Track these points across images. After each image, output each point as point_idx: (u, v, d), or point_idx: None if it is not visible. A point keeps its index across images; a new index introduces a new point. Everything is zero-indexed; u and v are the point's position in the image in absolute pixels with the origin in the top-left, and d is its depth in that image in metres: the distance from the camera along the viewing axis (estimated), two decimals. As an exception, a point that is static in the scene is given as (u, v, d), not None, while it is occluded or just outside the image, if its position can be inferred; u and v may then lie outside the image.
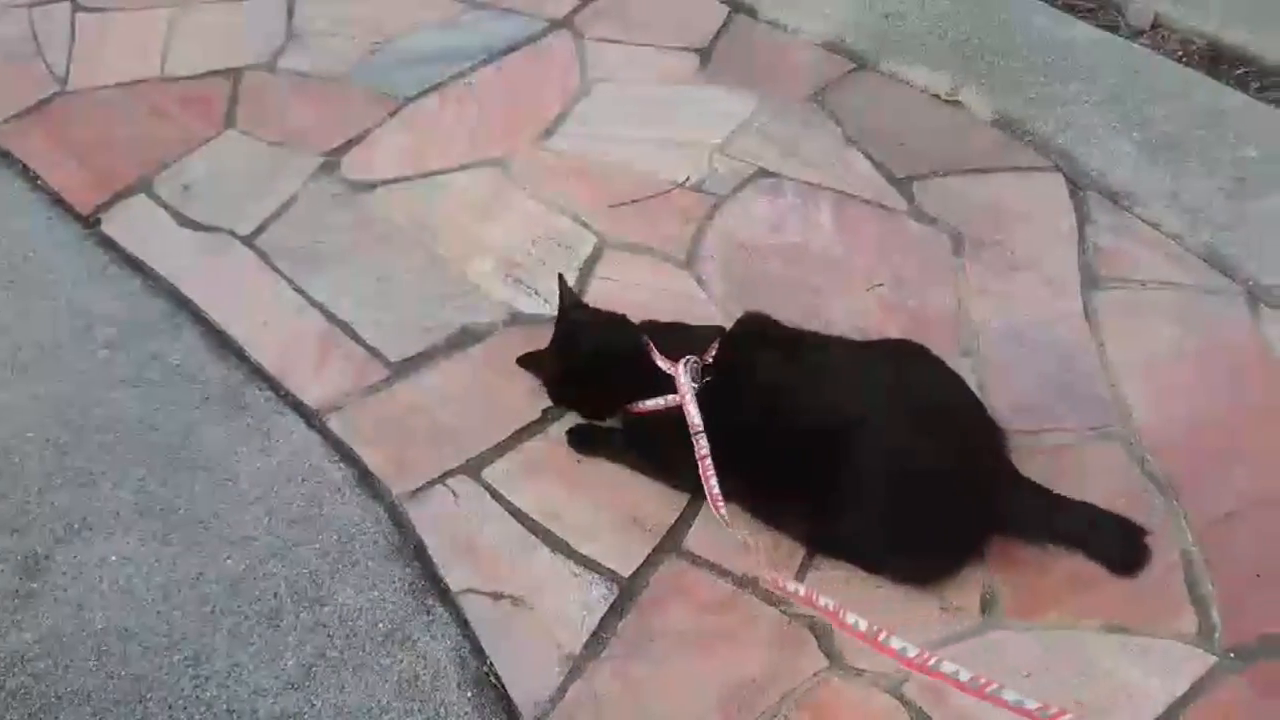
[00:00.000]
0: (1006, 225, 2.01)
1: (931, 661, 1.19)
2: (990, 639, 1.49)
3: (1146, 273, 1.91)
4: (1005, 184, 2.09)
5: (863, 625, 1.27)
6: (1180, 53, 2.37)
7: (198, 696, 1.50)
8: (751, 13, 2.50)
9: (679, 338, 1.65)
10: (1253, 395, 1.74)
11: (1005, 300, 1.89)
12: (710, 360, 1.59)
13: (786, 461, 1.51)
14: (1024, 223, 2.01)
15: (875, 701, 1.44)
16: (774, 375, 1.55)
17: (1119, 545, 1.47)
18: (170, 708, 1.49)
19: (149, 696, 1.50)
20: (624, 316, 1.70)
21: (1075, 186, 2.07)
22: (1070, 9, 2.49)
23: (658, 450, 1.65)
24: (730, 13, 2.50)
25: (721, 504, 1.51)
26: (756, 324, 1.64)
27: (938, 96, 2.27)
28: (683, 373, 1.56)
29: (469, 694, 1.49)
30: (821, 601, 1.34)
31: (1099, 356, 1.80)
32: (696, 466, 1.53)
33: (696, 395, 1.55)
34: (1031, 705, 1.10)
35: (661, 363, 1.60)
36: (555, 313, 1.75)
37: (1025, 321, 1.85)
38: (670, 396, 1.57)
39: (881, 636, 1.24)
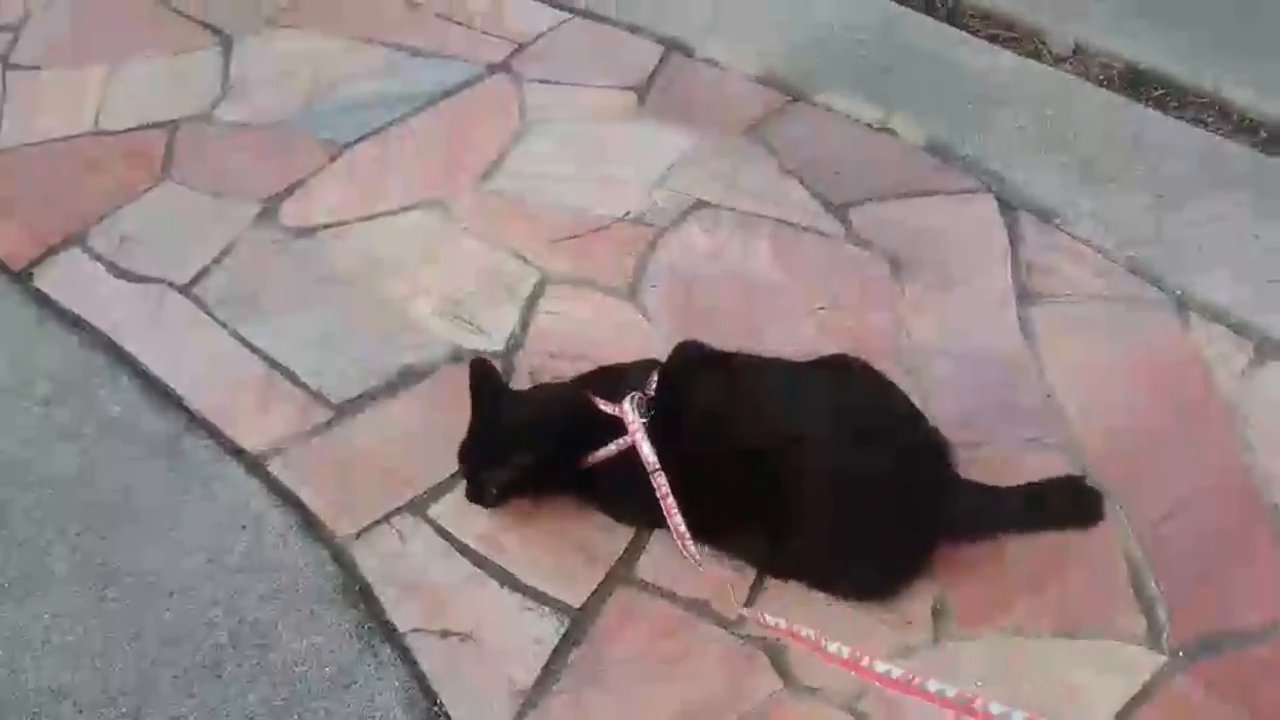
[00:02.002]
0: (942, 246, 2.04)
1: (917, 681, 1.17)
2: (943, 650, 1.49)
3: (1078, 287, 1.96)
4: (939, 207, 2.13)
5: (845, 652, 1.23)
6: (1101, 77, 2.45)
7: (137, 753, 1.45)
8: (686, 51, 2.54)
9: (615, 380, 1.64)
10: (1186, 399, 1.77)
11: (943, 318, 1.92)
12: (650, 394, 1.59)
13: (732, 485, 1.51)
14: (959, 243, 2.05)
15: (830, 719, 1.43)
16: (713, 401, 1.55)
17: (1071, 503, 1.48)
18: (108, 766, 1.44)
19: (86, 756, 1.45)
20: (546, 384, 1.70)
21: (1007, 207, 2.11)
22: (993, 39, 2.56)
23: (617, 499, 1.62)
24: (665, 51, 2.54)
25: (690, 543, 1.50)
26: (691, 352, 1.64)
27: (870, 125, 2.32)
28: (629, 411, 1.55)
29: (419, 735, 1.45)
30: (803, 633, 1.31)
31: (1036, 369, 1.83)
32: (657, 506, 1.52)
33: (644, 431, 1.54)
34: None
35: (606, 407, 1.59)
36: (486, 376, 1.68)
37: (963, 338, 1.88)
38: (622, 440, 1.56)
39: (865, 661, 1.21)
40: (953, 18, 2.64)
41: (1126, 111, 2.33)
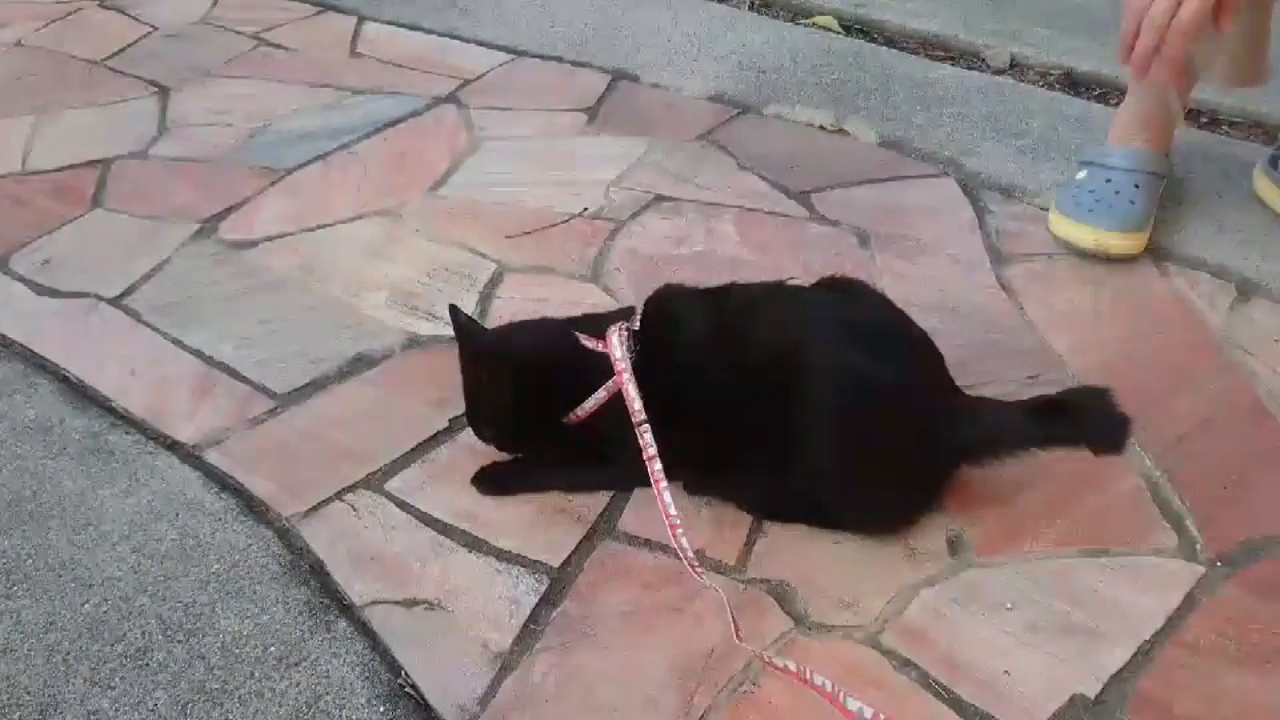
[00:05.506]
0: (908, 221, 2.00)
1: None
2: (966, 578, 1.34)
3: (1053, 247, 1.92)
4: (901, 189, 2.11)
5: (868, 713, 1.14)
6: (1041, 83, 2.50)
7: (43, 756, 1.22)
8: (634, 79, 2.54)
9: (593, 323, 1.53)
10: (1177, 335, 1.72)
11: (920, 280, 1.85)
12: (636, 328, 1.47)
13: (730, 417, 1.38)
14: (925, 217, 2.01)
15: (852, 654, 1.26)
16: (706, 325, 1.43)
17: (1094, 421, 1.35)
18: (7, 771, 1.21)
19: (-20, 762, 1.22)
20: (527, 320, 1.59)
21: (968, 186, 2.09)
22: (931, 59, 2.61)
23: (614, 453, 1.44)
24: (613, 79, 2.54)
25: (683, 537, 1.33)
26: (676, 289, 1.54)
27: (823, 128, 2.31)
28: (616, 346, 1.43)
29: (381, 709, 1.25)
30: (818, 680, 1.19)
31: (1021, 317, 1.76)
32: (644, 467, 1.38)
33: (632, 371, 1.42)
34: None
35: (588, 342, 1.47)
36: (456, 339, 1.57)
37: (944, 295, 1.81)
38: (609, 384, 1.43)
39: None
40: (891, 45, 2.70)
41: (1071, 105, 2.37)
